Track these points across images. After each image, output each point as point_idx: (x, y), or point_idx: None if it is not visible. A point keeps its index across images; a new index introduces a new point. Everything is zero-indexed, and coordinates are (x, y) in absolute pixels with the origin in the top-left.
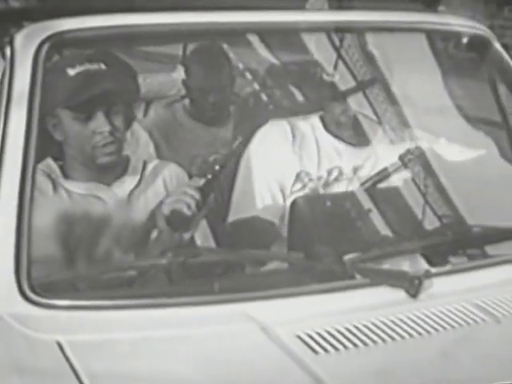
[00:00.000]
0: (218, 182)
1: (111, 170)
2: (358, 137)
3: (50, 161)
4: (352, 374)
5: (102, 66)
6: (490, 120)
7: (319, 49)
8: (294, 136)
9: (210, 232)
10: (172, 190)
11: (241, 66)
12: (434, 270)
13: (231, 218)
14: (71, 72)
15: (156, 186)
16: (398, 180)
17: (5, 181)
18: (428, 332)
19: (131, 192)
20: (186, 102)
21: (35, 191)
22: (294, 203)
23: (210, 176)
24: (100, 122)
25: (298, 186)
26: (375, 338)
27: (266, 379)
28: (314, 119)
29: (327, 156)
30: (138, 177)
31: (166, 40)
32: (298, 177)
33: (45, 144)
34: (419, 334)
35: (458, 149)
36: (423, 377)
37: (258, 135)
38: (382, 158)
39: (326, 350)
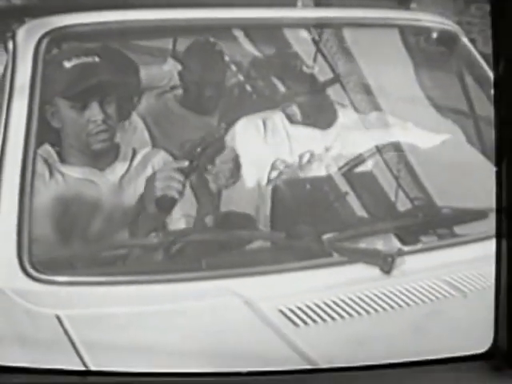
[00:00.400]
0: (204, 165)
1: (104, 156)
2: (325, 121)
3: (47, 146)
4: (329, 344)
5: (97, 59)
6: (458, 109)
7: (299, 43)
8: (265, 129)
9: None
10: (159, 172)
11: (227, 58)
12: (406, 248)
13: (222, 208)
14: (68, 64)
15: (145, 173)
16: (372, 165)
17: (7, 165)
18: (400, 306)
19: (122, 177)
20: (177, 91)
21: (35, 175)
22: (274, 188)
23: (195, 160)
24: (94, 111)
25: (275, 173)
26: (351, 311)
27: (249, 350)
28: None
29: (297, 142)
30: (127, 163)
31: (156, 34)
32: (273, 165)
33: (43, 131)
34: (392, 308)
35: (428, 135)
36: (396, 348)
37: (233, 131)
38: (350, 139)
39: (305, 323)
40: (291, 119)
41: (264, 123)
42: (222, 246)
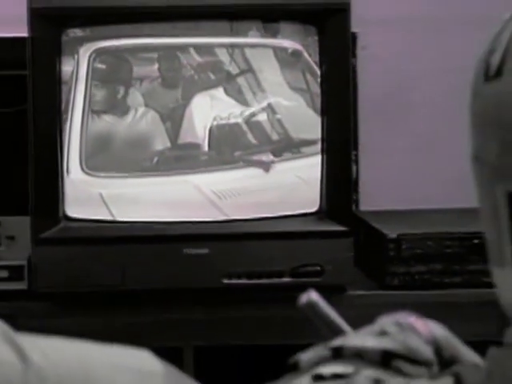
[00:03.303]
0: None
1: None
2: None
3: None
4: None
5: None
6: (302, 88)
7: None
8: (212, 99)
9: None
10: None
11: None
12: (276, 159)
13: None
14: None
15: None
16: (260, 117)
17: (74, 131)
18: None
19: (130, 123)
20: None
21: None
22: (210, 128)
23: None
24: None
25: (214, 122)
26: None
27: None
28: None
29: (227, 106)
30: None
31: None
32: (214, 118)
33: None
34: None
35: (288, 100)
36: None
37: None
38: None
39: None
40: (227, 93)
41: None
42: (180, 159)
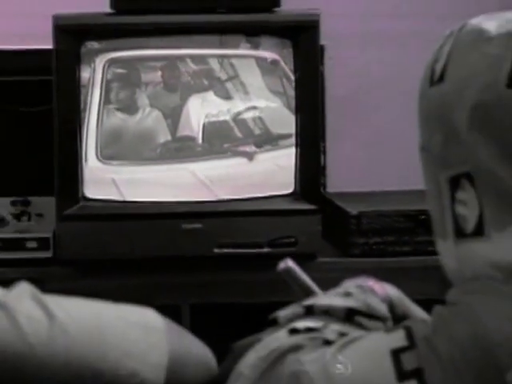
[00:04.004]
0: None
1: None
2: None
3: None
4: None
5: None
6: (280, 92)
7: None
8: (203, 100)
9: None
10: None
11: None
12: (257, 150)
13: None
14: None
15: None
16: (246, 115)
17: (91, 128)
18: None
19: (139, 119)
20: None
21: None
22: (204, 124)
23: None
24: None
25: (206, 119)
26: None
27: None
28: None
29: (216, 104)
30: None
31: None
32: (205, 115)
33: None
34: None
35: (268, 101)
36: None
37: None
38: (237, 106)
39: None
40: (217, 95)
41: (204, 98)
42: (179, 149)
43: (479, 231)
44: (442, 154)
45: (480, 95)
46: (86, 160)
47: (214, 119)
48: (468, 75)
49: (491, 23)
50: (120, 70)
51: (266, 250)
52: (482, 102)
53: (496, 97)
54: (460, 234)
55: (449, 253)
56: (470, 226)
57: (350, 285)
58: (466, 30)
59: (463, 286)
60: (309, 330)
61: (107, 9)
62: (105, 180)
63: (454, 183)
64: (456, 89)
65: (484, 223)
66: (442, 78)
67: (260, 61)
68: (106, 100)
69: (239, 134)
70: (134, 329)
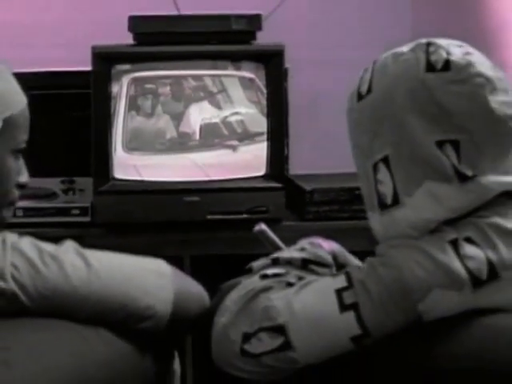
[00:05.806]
0: None
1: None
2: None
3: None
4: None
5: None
6: (259, 102)
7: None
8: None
9: None
10: None
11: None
12: (240, 143)
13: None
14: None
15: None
16: (232, 119)
17: (118, 132)
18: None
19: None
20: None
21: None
22: (201, 125)
23: None
24: None
25: (203, 121)
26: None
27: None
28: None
29: (210, 111)
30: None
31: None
32: (202, 119)
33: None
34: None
35: (250, 110)
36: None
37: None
38: (224, 113)
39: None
40: (210, 104)
41: (200, 109)
42: (182, 143)
43: (396, 201)
44: (367, 148)
45: (408, 84)
46: (115, 151)
47: (207, 121)
48: (393, 78)
49: (401, 48)
50: (140, 86)
51: (245, 216)
52: (410, 88)
53: (420, 81)
54: (383, 206)
55: (377, 221)
56: (389, 199)
57: (304, 242)
58: (381, 59)
59: (388, 243)
60: (276, 275)
61: (131, 41)
62: (128, 165)
63: (375, 168)
64: (385, 91)
65: (398, 194)
66: (369, 90)
67: (242, 79)
68: (129, 108)
69: (226, 132)
70: (149, 274)
